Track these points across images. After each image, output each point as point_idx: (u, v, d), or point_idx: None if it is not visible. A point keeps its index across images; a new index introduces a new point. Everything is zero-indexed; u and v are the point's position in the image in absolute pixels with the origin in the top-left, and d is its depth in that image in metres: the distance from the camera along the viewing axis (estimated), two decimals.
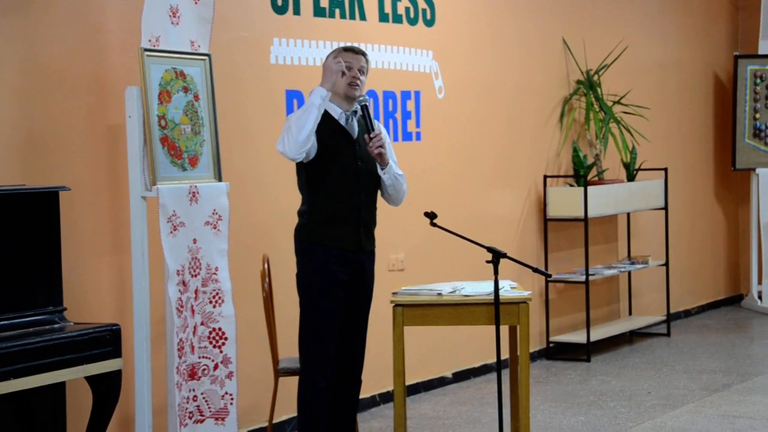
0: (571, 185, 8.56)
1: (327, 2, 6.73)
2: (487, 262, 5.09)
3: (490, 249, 5.08)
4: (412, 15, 7.35)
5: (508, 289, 5.43)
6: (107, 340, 4.86)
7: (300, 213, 5.27)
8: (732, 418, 6.58)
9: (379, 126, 5.28)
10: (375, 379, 6.77)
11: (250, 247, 6.11)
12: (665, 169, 9.36)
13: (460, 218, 7.34)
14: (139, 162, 5.13)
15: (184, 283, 5.21)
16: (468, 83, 7.84)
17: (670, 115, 10.12)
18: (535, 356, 8.42)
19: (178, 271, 5.17)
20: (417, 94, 7.39)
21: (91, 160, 5.41)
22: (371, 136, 5.14)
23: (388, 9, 7.16)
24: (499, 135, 8.14)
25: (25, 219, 4.86)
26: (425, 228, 5.38)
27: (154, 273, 5.27)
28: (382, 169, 5.24)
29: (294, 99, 6.52)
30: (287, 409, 6.23)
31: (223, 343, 5.39)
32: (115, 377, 4.90)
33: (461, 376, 7.79)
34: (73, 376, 4.77)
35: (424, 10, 7.43)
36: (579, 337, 8.53)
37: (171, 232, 5.15)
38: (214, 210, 5.38)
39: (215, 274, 5.37)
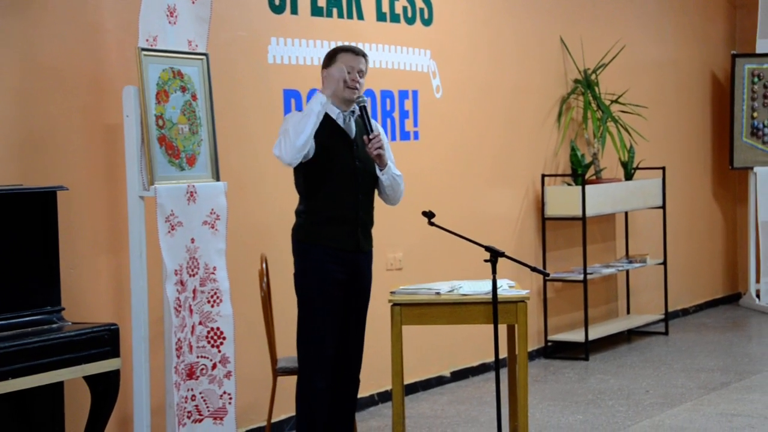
0: (569, 184, 8.56)
1: (324, 2, 6.73)
2: (485, 261, 5.09)
3: (488, 248, 5.08)
4: (409, 14, 7.35)
5: (506, 288, 5.43)
6: (105, 340, 4.86)
7: (297, 213, 5.27)
8: (730, 416, 6.58)
9: (377, 127, 5.28)
10: (373, 378, 6.77)
11: (248, 246, 6.11)
12: (663, 168, 9.36)
13: (458, 217, 7.34)
14: (137, 161, 5.13)
15: (182, 283, 5.21)
16: (466, 82, 7.84)
17: (667, 114, 10.13)
18: (533, 355, 8.42)
19: (176, 270, 5.17)
20: (415, 93, 7.40)
21: (88, 160, 5.41)
22: (370, 137, 5.13)
23: (385, 8, 7.16)
24: (497, 134, 8.14)
25: (22, 219, 4.86)
26: (423, 227, 5.38)
27: (152, 273, 5.27)
28: (381, 170, 5.24)
29: (291, 98, 6.52)
30: (285, 409, 6.23)
31: (222, 343, 5.39)
32: (113, 377, 4.90)
33: (459, 375, 7.80)
34: (72, 376, 4.77)
35: (421, 10, 7.43)
36: (577, 335, 8.53)
37: (169, 232, 5.15)
38: (212, 209, 5.38)
39: (213, 273, 5.37)
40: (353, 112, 5.24)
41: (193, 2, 5.39)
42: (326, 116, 5.19)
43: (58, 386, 4.90)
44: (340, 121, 5.21)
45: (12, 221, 4.82)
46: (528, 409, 5.33)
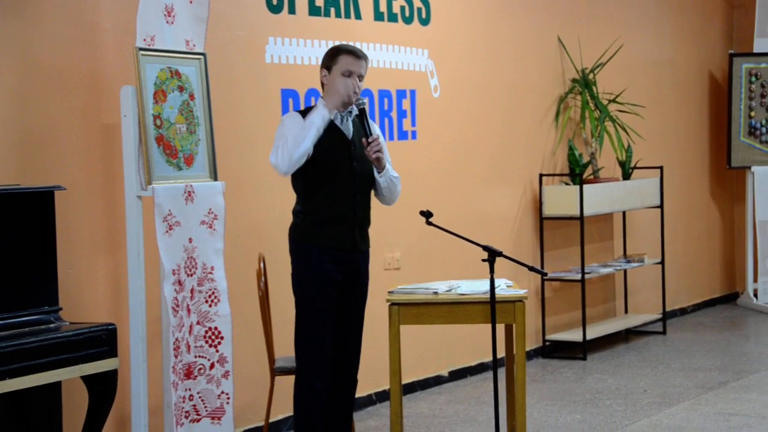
0: (567, 184, 8.56)
1: (322, 1, 6.73)
2: (483, 260, 5.09)
3: (485, 248, 5.08)
4: (407, 14, 7.35)
5: (504, 288, 5.43)
6: (103, 340, 4.86)
7: (295, 212, 5.26)
8: (728, 415, 6.58)
9: (375, 129, 5.26)
10: (371, 377, 6.77)
11: (246, 246, 6.10)
12: (661, 168, 9.36)
13: (455, 217, 7.35)
14: (135, 161, 5.13)
15: (179, 283, 5.20)
16: (463, 82, 7.84)
17: (665, 113, 10.13)
18: (531, 355, 8.42)
19: (173, 270, 5.17)
20: (412, 92, 7.39)
21: (86, 160, 5.41)
22: (369, 140, 5.12)
23: (383, 8, 7.16)
24: (494, 133, 8.14)
25: (20, 219, 4.86)
26: (421, 227, 5.38)
27: (149, 272, 5.27)
28: (379, 173, 5.23)
29: (289, 98, 6.51)
30: (283, 409, 6.23)
31: (219, 343, 5.38)
32: (111, 377, 4.90)
33: (457, 374, 7.80)
34: (69, 376, 4.76)
35: (419, 9, 7.43)
36: (575, 335, 8.53)
37: (167, 232, 5.15)
38: (210, 209, 5.38)
39: (211, 273, 5.37)
40: (350, 111, 5.23)
41: (191, 2, 5.38)
42: None
43: (56, 386, 4.90)
44: (337, 121, 5.20)
45: (9, 221, 4.82)
46: (526, 408, 5.33)
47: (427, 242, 7.27)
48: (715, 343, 8.98)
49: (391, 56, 7.22)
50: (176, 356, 5.17)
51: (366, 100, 5.25)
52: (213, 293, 5.37)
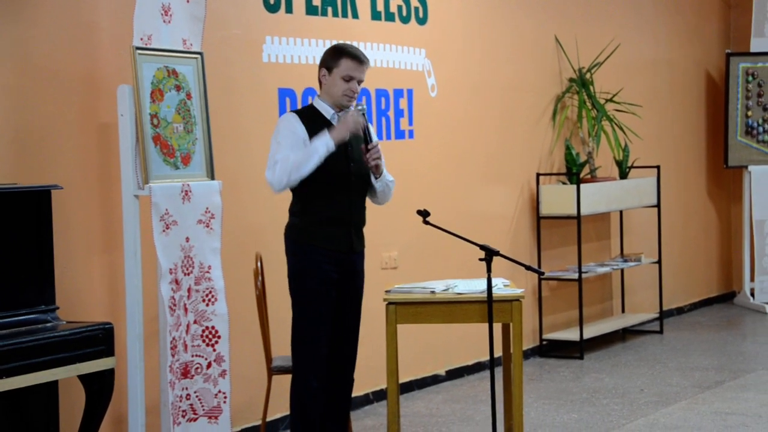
0: (564, 183, 8.57)
1: (319, 0, 6.72)
2: (480, 260, 5.09)
3: (483, 247, 5.08)
4: (404, 13, 7.34)
5: (501, 287, 5.43)
6: (100, 339, 4.85)
7: (292, 212, 5.26)
8: (724, 414, 6.58)
9: (372, 134, 5.22)
10: (368, 377, 6.77)
11: (243, 245, 6.10)
12: (658, 167, 9.37)
13: (452, 216, 7.34)
14: (132, 160, 5.12)
15: (176, 282, 5.20)
16: (461, 81, 7.84)
17: (662, 112, 10.13)
18: (528, 354, 8.42)
19: (170, 269, 5.17)
20: (410, 92, 7.39)
21: (83, 159, 5.41)
22: (369, 147, 5.11)
23: (380, 7, 7.16)
24: (491, 133, 8.14)
25: (17, 218, 4.85)
26: (418, 226, 5.38)
27: (146, 271, 5.27)
28: (376, 179, 5.23)
29: (286, 97, 6.51)
30: (280, 408, 6.22)
31: (216, 342, 5.38)
32: (107, 376, 4.90)
33: (454, 374, 7.80)
34: (66, 375, 4.76)
35: (416, 9, 7.43)
36: (572, 334, 8.53)
37: (163, 231, 5.15)
38: (207, 208, 5.38)
39: (208, 272, 5.37)
40: (347, 111, 5.22)
41: (188, 1, 5.38)
42: (320, 116, 5.18)
43: (53, 385, 4.89)
44: (334, 122, 5.20)
45: (6, 220, 4.82)
46: (523, 407, 5.33)
47: (424, 241, 7.27)
48: (712, 343, 8.98)
49: (389, 55, 7.22)
50: (173, 355, 5.16)
51: (365, 106, 5.21)
52: (210, 292, 5.37)
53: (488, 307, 5.10)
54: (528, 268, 5.15)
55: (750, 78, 10.40)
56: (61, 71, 5.31)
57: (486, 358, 7.90)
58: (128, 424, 5.22)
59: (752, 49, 10.41)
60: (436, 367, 7.69)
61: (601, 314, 9.28)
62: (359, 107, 5.14)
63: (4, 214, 4.81)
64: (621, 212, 9.41)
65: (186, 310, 5.26)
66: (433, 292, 5.38)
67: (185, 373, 5.26)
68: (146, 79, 5.15)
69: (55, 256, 4.98)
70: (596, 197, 8.53)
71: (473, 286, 5.43)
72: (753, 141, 10.40)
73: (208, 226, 5.37)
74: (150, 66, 5.17)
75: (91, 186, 5.44)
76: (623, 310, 9.55)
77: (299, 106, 6.43)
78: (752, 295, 10.54)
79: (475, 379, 7.79)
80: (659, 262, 9.38)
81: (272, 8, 6.44)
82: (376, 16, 7.13)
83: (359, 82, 5.16)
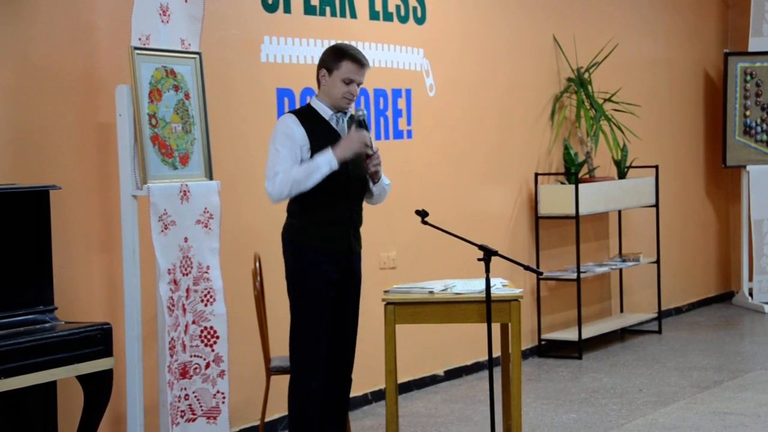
0: (563, 183, 8.57)
1: (317, 0, 6.72)
2: (479, 260, 5.08)
3: (481, 247, 5.08)
4: (402, 13, 7.34)
5: (500, 287, 5.43)
6: (98, 339, 4.85)
7: (290, 212, 5.25)
8: (723, 414, 6.59)
9: (372, 141, 5.20)
10: (367, 377, 6.77)
11: (242, 245, 6.10)
12: (656, 167, 9.37)
13: (451, 216, 7.34)
14: (130, 160, 5.12)
15: (175, 282, 5.20)
16: (459, 81, 7.84)
17: (660, 112, 10.13)
18: (526, 354, 8.42)
19: (169, 269, 5.17)
20: (408, 92, 7.39)
21: (81, 159, 5.40)
22: (369, 154, 5.09)
23: (378, 7, 7.15)
24: (490, 133, 8.14)
25: (15, 218, 4.85)
26: (417, 226, 5.38)
27: (145, 272, 5.26)
28: (374, 183, 5.22)
29: (285, 97, 6.51)
30: (279, 408, 6.22)
31: (215, 342, 5.38)
32: (106, 376, 4.90)
33: (453, 374, 7.80)
34: (64, 375, 4.76)
35: (414, 8, 7.43)
36: (570, 334, 8.53)
37: (162, 231, 5.15)
38: (205, 208, 5.37)
39: (206, 272, 5.37)
40: (345, 113, 5.21)
41: (186, 1, 5.38)
42: (319, 117, 5.17)
43: (51, 386, 4.89)
44: (333, 123, 5.19)
45: (4, 220, 4.81)
46: (521, 407, 5.33)
47: (423, 241, 7.27)
48: (711, 342, 8.98)
49: (387, 55, 7.22)
50: (172, 356, 5.16)
51: (365, 111, 5.18)
52: (208, 292, 5.37)
53: (487, 307, 5.10)
54: (526, 268, 5.15)
55: (748, 77, 10.40)
56: (59, 71, 5.30)
57: (484, 358, 7.90)
58: (127, 425, 5.21)
59: (750, 49, 10.42)
60: (435, 367, 7.68)
61: (599, 314, 9.28)
62: (359, 113, 5.10)
63: (2, 214, 4.80)
64: (619, 212, 9.41)
65: (184, 310, 5.26)
66: (431, 292, 5.38)
67: (184, 374, 5.26)
68: (144, 79, 5.14)
69: (53, 257, 4.98)
70: (595, 197, 8.53)
71: (472, 286, 5.42)
72: (751, 141, 10.40)
73: (206, 227, 5.37)
74: (148, 66, 5.17)
75: (89, 186, 5.43)
76: (622, 310, 9.55)
77: (297, 106, 6.43)
78: (750, 294, 10.54)
79: (473, 379, 7.79)
80: (658, 261, 9.39)
81: (270, 8, 6.44)
82: (374, 15, 7.13)
83: (359, 84, 5.14)
